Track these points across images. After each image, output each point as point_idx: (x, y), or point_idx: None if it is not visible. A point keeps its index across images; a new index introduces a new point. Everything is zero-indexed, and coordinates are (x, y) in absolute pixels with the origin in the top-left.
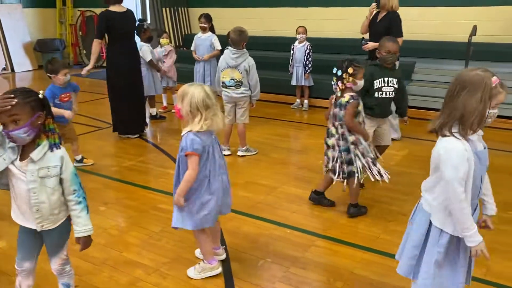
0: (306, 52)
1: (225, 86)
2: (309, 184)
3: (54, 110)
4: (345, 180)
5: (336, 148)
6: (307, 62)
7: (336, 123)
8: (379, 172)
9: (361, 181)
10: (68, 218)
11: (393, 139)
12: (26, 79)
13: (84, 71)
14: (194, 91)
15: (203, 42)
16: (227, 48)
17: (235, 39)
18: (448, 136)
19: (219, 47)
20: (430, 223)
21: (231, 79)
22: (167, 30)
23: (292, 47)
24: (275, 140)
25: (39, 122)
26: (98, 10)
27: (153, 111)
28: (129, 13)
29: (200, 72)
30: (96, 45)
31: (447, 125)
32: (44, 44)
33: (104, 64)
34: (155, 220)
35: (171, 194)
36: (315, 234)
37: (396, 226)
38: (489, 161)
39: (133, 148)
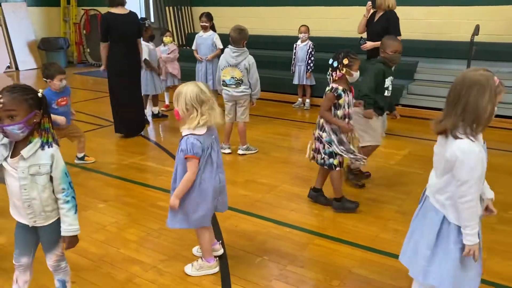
0: (309, 51)
1: (225, 84)
2: (309, 183)
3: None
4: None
5: (320, 139)
6: (309, 61)
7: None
8: (355, 158)
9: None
10: None
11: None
12: (30, 77)
13: (101, 69)
14: (187, 89)
15: (205, 41)
16: (228, 47)
17: (235, 38)
18: (462, 138)
19: (221, 46)
20: (442, 222)
21: (232, 77)
22: (170, 29)
23: (294, 46)
24: (276, 139)
25: (35, 120)
26: (102, 9)
27: (155, 109)
28: (131, 15)
29: (202, 71)
30: (102, 49)
31: (460, 125)
32: (48, 42)
33: None
34: (153, 217)
35: (170, 192)
36: (314, 232)
37: (395, 225)
38: (488, 160)
39: (134, 146)
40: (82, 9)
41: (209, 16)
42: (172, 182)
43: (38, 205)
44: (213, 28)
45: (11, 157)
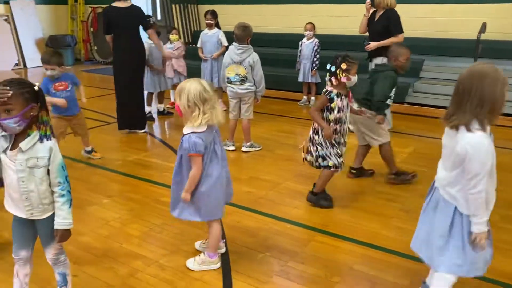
0: (314, 48)
1: (230, 82)
2: (312, 180)
3: (48, 99)
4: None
5: (312, 140)
6: (315, 59)
7: None
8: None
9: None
10: None
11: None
12: (38, 75)
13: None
14: (190, 86)
15: (210, 39)
16: (232, 44)
17: (239, 35)
18: (474, 132)
19: (226, 43)
20: (454, 213)
21: (236, 74)
22: (176, 27)
23: (300, 43)
24: (280, 137)
25: (32, 114)
26: None
27: (161, 107)
28: (133, 8)
29: (207, 69)
30: (108, 40)
31: (476, 118)
32: (56, 40)
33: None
34: (156, 213)
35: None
36: (316, 229)
37: (398, 223)
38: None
39: (139, 143)
40: (90, 6)
41: (214, 14)
42: (174, 175)
43: (36, 198)
44: (218, 25)
45: (10, 149)
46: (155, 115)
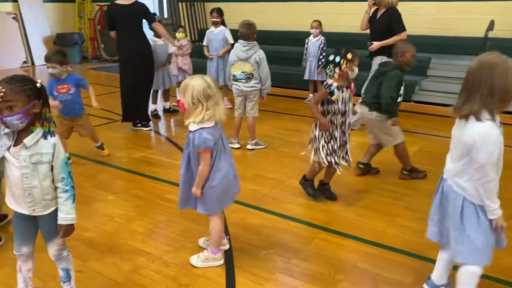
0: (321, 46)
1: (235, 79)
2: (317, 178)
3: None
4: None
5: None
6: (321, 57)
7: None
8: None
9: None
10: None
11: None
12: (46, 72)
13: None
14: (194, 83)
15: (216, 36)
16: (238, 42)
17: (245, 33)
18: (484, 121)
19: (232, 41)
20: (463, 204)
21: (242, 72)
22: (183, 25)
23: (306, 41)
24: (286, 135)
25: (34, 111)
26: None
27: (166, 104)
28: (136, 5)
29: (213, 67)
30: (112, 36)
31: (486, 107)
32: (64, 38)
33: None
34: (161, 210)
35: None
36: (320, 227)
37: (403, 221)
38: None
39: (144, 140)
40: (97, 4)
41: (219, 12)
42: (183, 173)
43: (39, 194)
44: (223, 23)
45: (13, 146)
46: (160, 113)
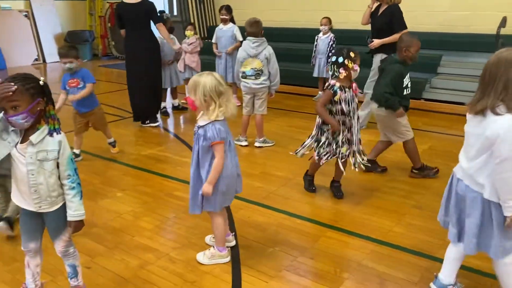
0: (330, 43)
1: (245, 76)
2: (324, 176)
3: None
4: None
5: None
6: (330, 54)
7: None
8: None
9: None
10: None
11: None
12: (57, 70)
13: None
14: (205, 80)
15: (225, 34)
16: (246, 39)
17: (253, 30)
18: (503, 114)
19: (241, 38)
20: (483, 201)
21: (251, 68)
22: (192, 22)
23: (316, 38)
24: (294, 132)
25: (39, 109)
26: None
27: (175, 102)
28: (144, 3)
29: (222, 64)
30: (122, 34)
31: (501, 102)
32: (74, 35)
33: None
34: (169, 206)
35: (187, 182)
36: (326, 225)
37: (410, 219)
38: None
39: (153, 137)
40: (108, 2)
41: (228, 9)
42: (195, 169)
43: (45, 190)
44: (232, 20)
45: (20, 143)
46: (169, 110)
